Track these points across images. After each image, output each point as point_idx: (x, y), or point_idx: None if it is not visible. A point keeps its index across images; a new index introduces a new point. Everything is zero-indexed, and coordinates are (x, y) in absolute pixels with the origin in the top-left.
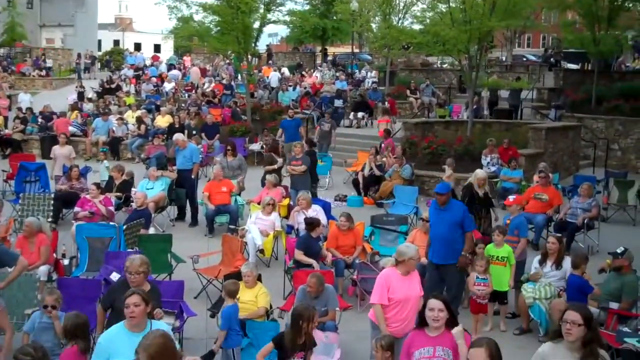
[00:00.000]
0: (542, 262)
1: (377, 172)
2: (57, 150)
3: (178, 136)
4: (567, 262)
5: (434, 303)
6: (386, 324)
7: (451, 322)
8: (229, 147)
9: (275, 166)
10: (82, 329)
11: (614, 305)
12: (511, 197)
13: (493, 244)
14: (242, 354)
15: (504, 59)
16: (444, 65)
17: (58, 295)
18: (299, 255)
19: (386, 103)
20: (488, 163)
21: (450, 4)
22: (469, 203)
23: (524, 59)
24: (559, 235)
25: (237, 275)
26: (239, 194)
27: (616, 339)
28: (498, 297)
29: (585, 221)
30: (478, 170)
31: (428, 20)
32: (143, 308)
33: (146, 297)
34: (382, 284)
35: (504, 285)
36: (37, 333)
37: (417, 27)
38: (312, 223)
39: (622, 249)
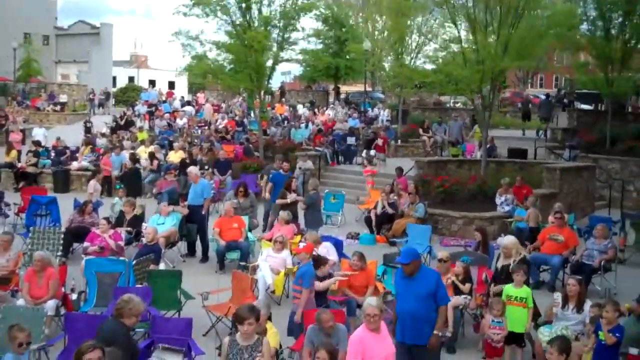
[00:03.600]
0: (563, 305)
1: (389, 210)
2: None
3: (192, 169)
4: (587, 305)
5: None
6: None
7: None
8: (240, 189)
9: (288, 200)
10: None
11: (633, 351)
12: (301, 245)
13: (512, 284)
14: None
15: None
16: (457, 105)
17: (29, 332)
18: (317, 285)
19: (379, 140)
20: (502, 202)
21: (463, 44)
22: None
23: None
24: (579, 277)
25: None
26: (250, 231)
27: None
28: (515, 339)
29: (602, 263)
30: (507, 237)
31: (440, 60)
32: None
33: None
34: (355, 349)
35: (521, 327)
36: None
37: (429, 66)
38: (318, 260)
39: None
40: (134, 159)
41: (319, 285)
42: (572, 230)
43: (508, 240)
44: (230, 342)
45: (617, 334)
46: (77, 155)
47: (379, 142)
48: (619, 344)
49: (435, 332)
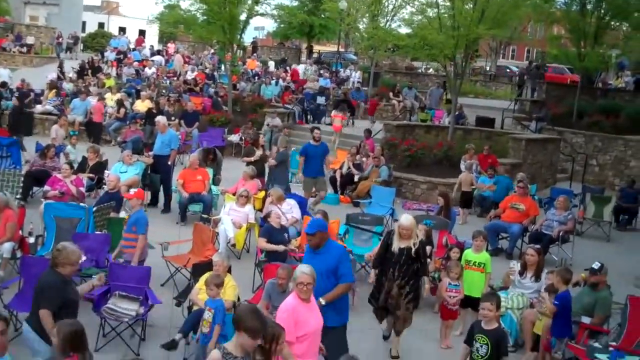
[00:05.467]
0: (521, 273)
1: (354, 172)
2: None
3: (160, 119)
4: (544, 274)
5: None
6: None
7: None
8: (210, 156)
9: (252, 158)
10: (82, 338)
11: (585, 320)
12: (132, 190)
13: (471, 249)
14: None
15: (488, 68)
16: (429, 71)
17: None
18: (262, 242)
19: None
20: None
21: (440, 9)
22: (380, 259)
23: (507, 70)
24: (538, 247)
25: (206, 265)
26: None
27: (586, 354)
28: (471, 303)
29: (561, 234)
30: (404, 216)
31: (416, 24)
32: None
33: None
34: (287, 318)
35: (478, 292)
36: None
37: (404, 30)
38: (266, 215)
39: (599, 264)
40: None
41: (267, 247)
42: (534, 200)
43: (406, 220)
44: (225, 355)
45: (555, 302)
46: (42, 98)
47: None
48: (563, 313)
49: (321, 299)
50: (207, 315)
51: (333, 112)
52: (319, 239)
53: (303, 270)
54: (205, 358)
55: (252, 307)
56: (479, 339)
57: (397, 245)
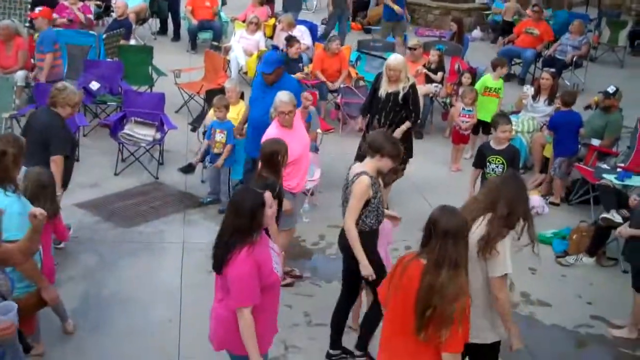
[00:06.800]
0: (535, 97)
1: None
2: None
3: None
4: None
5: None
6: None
7: None
8: None
9: None
10: (48, 190)
11: (595, 142)
12: (37, 9)
13: (491, 76)
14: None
15: None
16: None
17: None
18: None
19: None
20: None
21: None
22: (368, 105)
23: None
24: (553, 70)
25: (219, 92)
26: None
27: (594, 175)
28: (484, 127)
29: (574, 59)
30: (393, 55)
31: None
32: None
33: None
34: None
35: (490, 117)
36: None
37: None
38: (290, 39)
39: (614, 88)
40: None
41: None
42: (548, 25)
43: (394, 60)
44: (371, 177)
45: (548, 124)
46: None
47: None
48: (561, 133)
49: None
50: (219, 137)
51: None
52: (275, 76)
53: (282, 99)
54: (219, 178)
55: (386, 134)
56: (493, 160)
57: (384, 89)
